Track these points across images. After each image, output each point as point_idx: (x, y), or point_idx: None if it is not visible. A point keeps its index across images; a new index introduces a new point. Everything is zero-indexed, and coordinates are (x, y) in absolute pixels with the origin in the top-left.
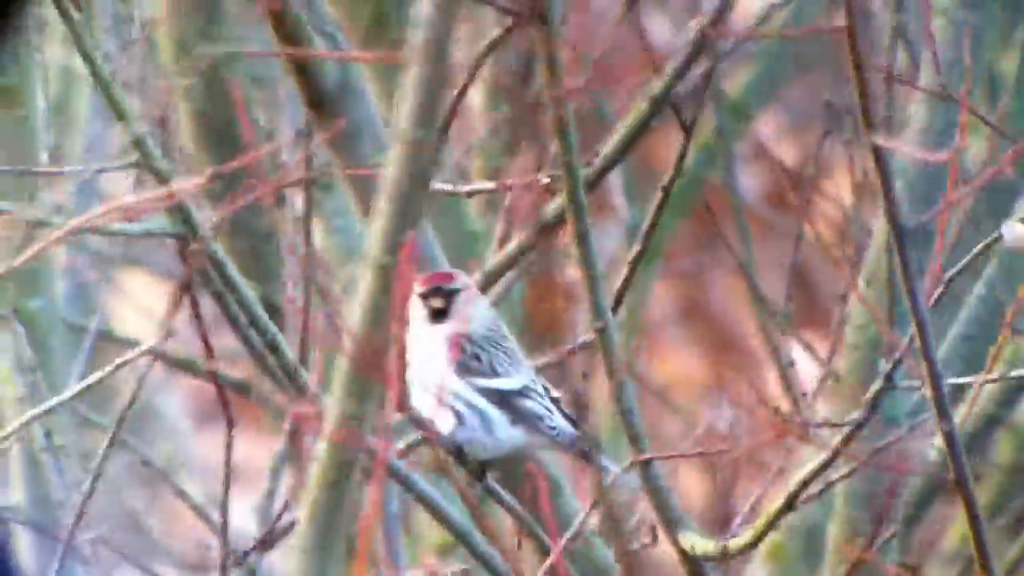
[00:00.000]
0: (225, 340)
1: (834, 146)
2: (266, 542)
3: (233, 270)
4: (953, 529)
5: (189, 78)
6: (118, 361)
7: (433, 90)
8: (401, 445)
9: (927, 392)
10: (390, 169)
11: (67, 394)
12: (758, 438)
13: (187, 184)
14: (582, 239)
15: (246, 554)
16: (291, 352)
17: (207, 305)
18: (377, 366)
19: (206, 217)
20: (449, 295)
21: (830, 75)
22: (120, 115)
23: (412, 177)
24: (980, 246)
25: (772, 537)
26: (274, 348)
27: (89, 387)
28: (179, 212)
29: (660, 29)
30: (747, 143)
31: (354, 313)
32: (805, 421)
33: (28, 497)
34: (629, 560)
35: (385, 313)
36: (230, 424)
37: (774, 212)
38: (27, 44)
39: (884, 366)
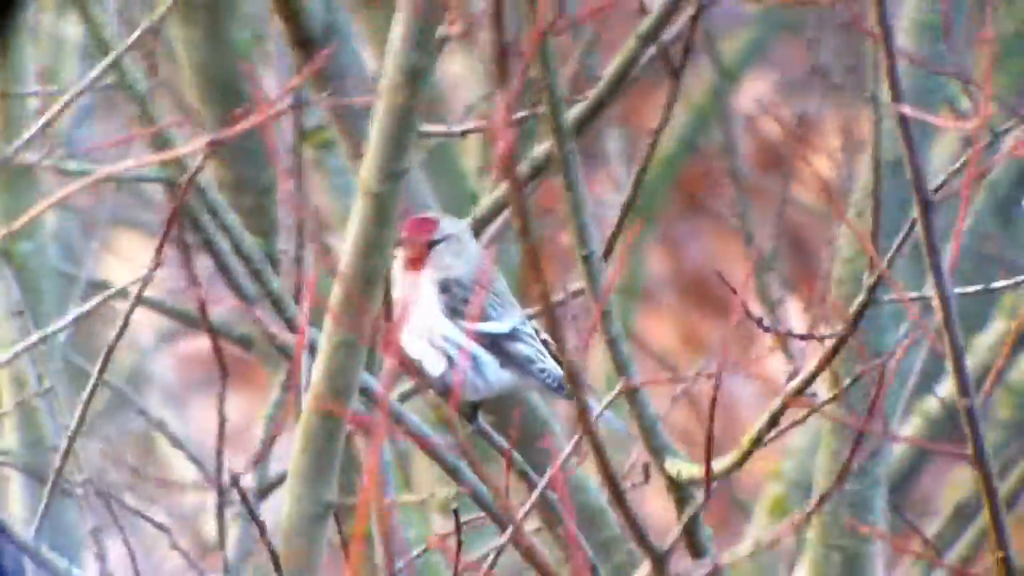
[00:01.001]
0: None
1: (823, 108)
2: (260, 462)
3: (216, 195)
4: (950, 490)
5: (192, 32)
6: (107, 292)
7: (428, 12)
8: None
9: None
10: (384, 94)
11: (59, 324)
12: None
13: (190, 147)
14: (566, 165)
15: (238, 476)
16: (277, 281)
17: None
18: (371, 289)
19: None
20: (429, 246)
21: (822, 36)
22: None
23: (407, 99)
24: None
25: (774, 491)
26: (259, 277)
27: (79, 319)
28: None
29: None
30: (738, 105)
31: (347, 242)
32: (787, 330)
33: (21, 440)
34: (619, 497)
35: (377, 243)
36: (223, 371)
37: (764, 175)
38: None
39: (867, 279)
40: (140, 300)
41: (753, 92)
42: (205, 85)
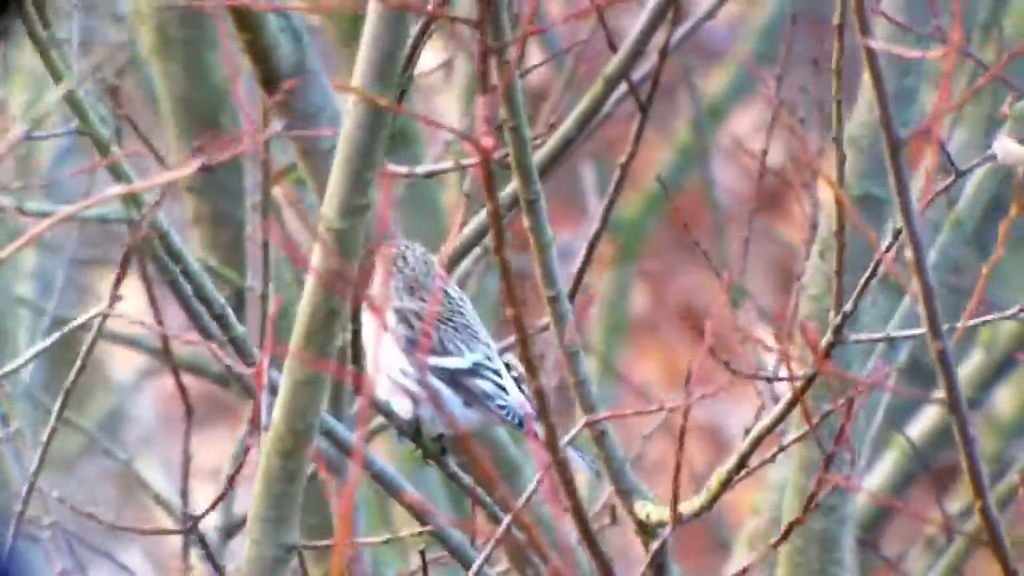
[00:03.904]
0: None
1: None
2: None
3: (178, 241)
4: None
5: (170, 65)
6: (73, 323)
7: (390, 44)
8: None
9: (920, 309)
10: (346, 126)
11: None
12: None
13: (171, 175)
14: (531, 205)
15: (197, 519)
16: (240, 326)
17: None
18: (331, 326)
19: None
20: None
21: (806, 70)
22: (82, 117)
23: (369, 135)
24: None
25: (753, 526)
26: (222, 320)
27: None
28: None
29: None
30: (724, 142)
31: (308, 278)
32: (756, 371)
33: None
34: (589, 535)
35: (339, 279)
36: (188, 410)
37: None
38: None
39: (833, 319)
40: (100, 334)
41: (741, 128)
42: (184, 118)
